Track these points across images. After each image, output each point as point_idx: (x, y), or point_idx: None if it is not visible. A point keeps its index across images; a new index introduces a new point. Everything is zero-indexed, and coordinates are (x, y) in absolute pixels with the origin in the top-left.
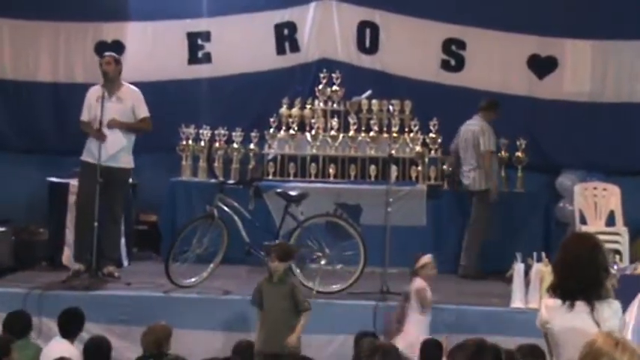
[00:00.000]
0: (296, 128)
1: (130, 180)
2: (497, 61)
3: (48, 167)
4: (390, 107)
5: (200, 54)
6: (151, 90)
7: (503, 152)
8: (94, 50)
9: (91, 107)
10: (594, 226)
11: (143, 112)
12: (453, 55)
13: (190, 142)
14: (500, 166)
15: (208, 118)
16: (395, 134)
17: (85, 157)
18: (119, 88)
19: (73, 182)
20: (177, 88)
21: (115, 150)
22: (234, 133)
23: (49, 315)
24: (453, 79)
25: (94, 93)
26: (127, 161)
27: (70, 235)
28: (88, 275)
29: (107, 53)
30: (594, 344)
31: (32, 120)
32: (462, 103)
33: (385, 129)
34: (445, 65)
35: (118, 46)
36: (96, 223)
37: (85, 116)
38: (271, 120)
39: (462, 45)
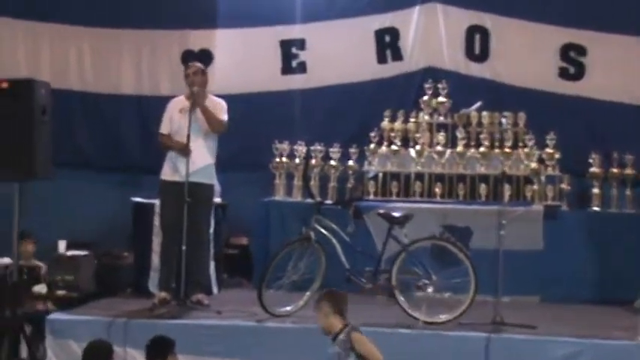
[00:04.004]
0: (399, 143)
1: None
2: (621, 68)
3: (132, 186)
4: (502, 120)
5: (294, 63)
6: (241, 103)
7: (615, 169)
8: (180, 60)
9: (173, 119)
10: None
11: (221, 114)
12: (572, 62)
13: (284, 159)
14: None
15: (304, 133)
16: (508, 149)
17: (166, 175)
18: (205, 99)
19: (159, 202)
20: (270, 101)
21: (201, 164)
22: (331, 149)
23: (134, 345)
24: (572, 89)
25: (176, 104)
26: (210, 176)
27: (156, 259)
28: (175, 303)
29: (193, 63)
30: None
31: (114, 136)
32: (582, 115)
33: (497, 144)
34: (563, 73)
35: (206, 56)
36: (184, 247)
37: (165, 129)
38: (372, 135)
39: (582, 51)
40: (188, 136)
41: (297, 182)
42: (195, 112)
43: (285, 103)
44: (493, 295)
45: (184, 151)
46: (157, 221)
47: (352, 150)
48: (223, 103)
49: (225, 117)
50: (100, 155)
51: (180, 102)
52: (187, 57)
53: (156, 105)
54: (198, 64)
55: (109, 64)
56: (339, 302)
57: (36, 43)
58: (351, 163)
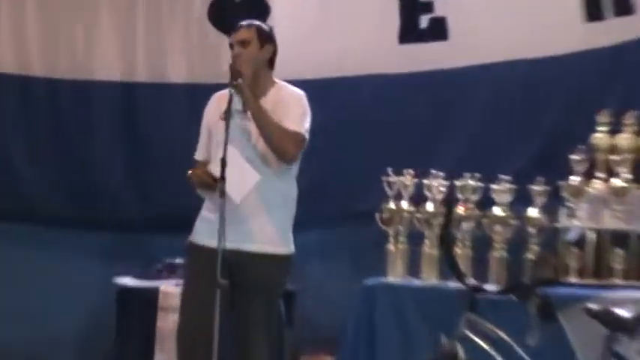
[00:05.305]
0: (628, 175)
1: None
2: None
3: (118, 256)
4: None
5: (424, 21)
6: (321, 95)
7: None
8: (207, 18)
9: (212, 132)
10: None
11: (293, 120)
12: None
13: (404, 203)
14: None
15: (440, 155)
16: None
17: (195, 235)
18: (266, 91)
19: (166, 287)
20: (377, 92)
21: (255, 217)
22: (494, 186)
23: None
24: None
25: (219, 103)
26: (275, 240)
27: None
28: None
29: (244, 22)
30: None
31: (86, 160)
32: None
33: None
34: None
35: (255, 9)
36: None
37: (200, 152)
38: (573, 158)
39: None
40: (222, 163)
41: (429, 249)
42: (240, 117)
43: (405, 95)
44: None
45: (209, 188)
46: (162, 321)
47: (535, 187)
48: (302, 100)
49: (301, 126)
50: (59, 197)
51: (224, 99)
52: (219, 10)
53: (160, 100)
54: (255, 24)
55: (76, 30)
56: None
57: None
58: (532, 212)
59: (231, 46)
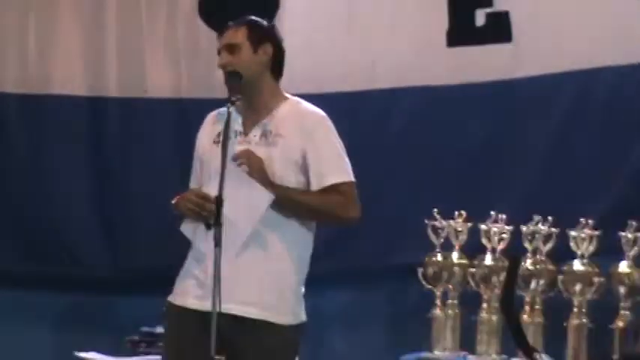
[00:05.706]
0: None
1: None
2: None
3: (81, 324)
4: None
5: (479, 18)
6: (348, 113)
7: None
8: (198, 15)
9: (204, 160)
10: None
11: (333, 170)
12: None
13: (455, 255)
14: None
15: (501, 191)
16: None
17: (176, 295)
18: (270, 109)
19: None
20: (420, 110)
21: (259, 272)
22: (571, 233)
23: None
24: None
25: (211, 126)
26: (281, 304)
27: None
28: None
29: (232, 22)
30: None
31: (43, 195)
32: None
33: None
34: None
35: (263, 3)
36: None
37: (194, 179)
38: None
39: None
40: (218, 202)
41: (488, 314)
42: (243, 139)
43: (456, 113)
44: None
45: (206, 218)
46: None
47: (626, 234)
48: (328, 124)
49: (345, 168)
50: (8, 247)
51: (218, 119)
52: (214, 4)
53: (136, 121)
54: (246, 21)
55: (23, 29)
56: None
57: None
58: (623, 267)
59: (219, 52)
